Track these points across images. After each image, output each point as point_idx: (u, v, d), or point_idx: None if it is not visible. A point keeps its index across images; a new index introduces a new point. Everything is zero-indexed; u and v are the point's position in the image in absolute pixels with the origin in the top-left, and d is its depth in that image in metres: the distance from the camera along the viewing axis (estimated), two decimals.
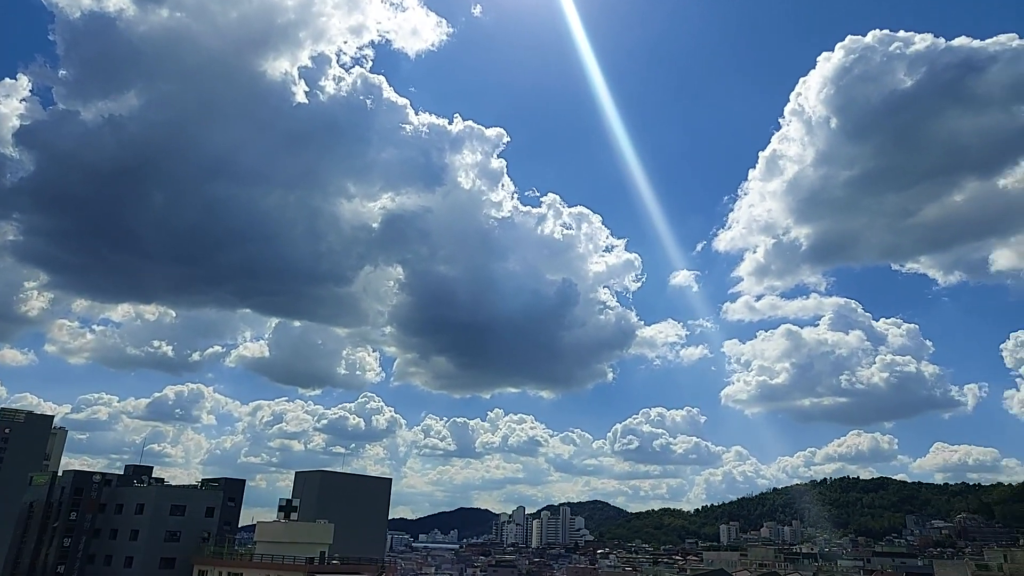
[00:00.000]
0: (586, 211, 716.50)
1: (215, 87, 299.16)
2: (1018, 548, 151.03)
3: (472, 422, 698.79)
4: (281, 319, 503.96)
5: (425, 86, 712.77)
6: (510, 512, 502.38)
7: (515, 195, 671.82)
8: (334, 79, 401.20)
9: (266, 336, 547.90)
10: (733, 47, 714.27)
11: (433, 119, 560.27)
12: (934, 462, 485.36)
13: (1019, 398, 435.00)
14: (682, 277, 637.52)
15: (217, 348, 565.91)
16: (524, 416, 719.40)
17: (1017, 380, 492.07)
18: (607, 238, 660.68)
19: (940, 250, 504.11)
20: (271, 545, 65.66)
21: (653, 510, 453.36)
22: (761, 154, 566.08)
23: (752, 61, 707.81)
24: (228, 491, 78.39)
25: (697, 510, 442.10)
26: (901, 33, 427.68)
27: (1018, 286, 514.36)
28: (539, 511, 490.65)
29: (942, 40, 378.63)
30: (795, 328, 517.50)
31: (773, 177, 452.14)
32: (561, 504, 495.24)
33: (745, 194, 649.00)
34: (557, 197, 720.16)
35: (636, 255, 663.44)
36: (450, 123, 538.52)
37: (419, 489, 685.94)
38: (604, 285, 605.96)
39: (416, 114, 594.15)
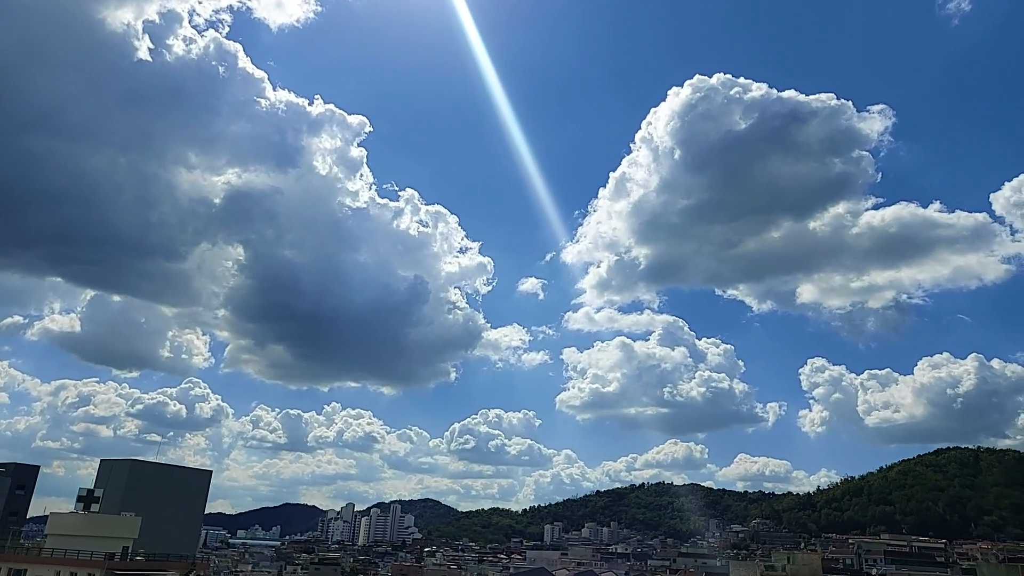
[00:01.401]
0: (444, 211, 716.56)
1: (42, 30, 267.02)
2: (799, 551, 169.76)
3: (307, 415, 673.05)
4: (98, 292, 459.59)
5: (286, 62, 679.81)
6: (338, 509, 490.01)
7: (373, 186, 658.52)
8: (184, 40, 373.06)
9: (78, 309, 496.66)
10: (603, 67, 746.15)
11: (292, 97, 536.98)
12: (737, 471, 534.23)
13: (810, 417, 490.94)
14: (530, 284, 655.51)
15: (17, 318, 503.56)
16: (362, 411, 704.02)
17: (810, 401, 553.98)
18: (462, 239, 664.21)
19: (756, 280, 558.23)
20: (65, 539, 59.28)
21: (483, 509, 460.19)
22: (612, 175, 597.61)
23: (618, 84, 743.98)
24: (17, 477, 70.15)
25: (525, 510, 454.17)
26: (742, 79, 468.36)
27: (817, 318, 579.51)
28: (369, 508, 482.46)
29: (774, 91, 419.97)
30: (628, 341, 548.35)
31: (620, 198, 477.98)
32: (392, 502, 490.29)
33: (594, 211, 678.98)
34: (416, 193, 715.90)
35: (489, 259, 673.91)
36: (310, 104, 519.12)
37: (242, 483, 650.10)
38: (455, 286, 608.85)
39: (274, 90, 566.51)
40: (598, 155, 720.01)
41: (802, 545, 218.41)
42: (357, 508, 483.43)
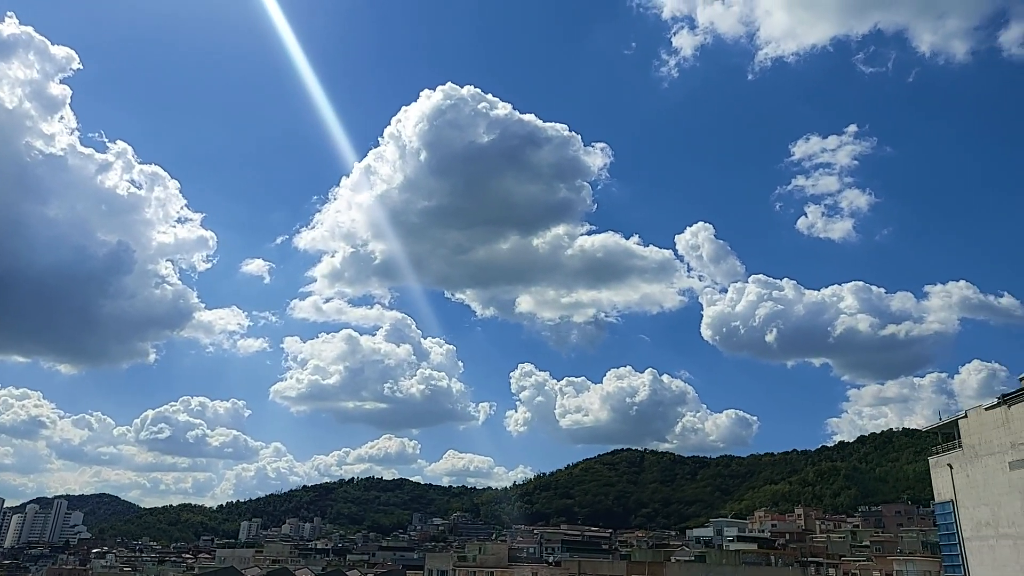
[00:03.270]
0: (163, 173, 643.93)
1: None
2: (491, 542, 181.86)
3: None
4: None
5: None
6: None
7: (76, 132, 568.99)
8: None
9: None
10: (367, 53, 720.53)
11: None
12: (444, 467, 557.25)
13: (515, 418, 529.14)
14: (256, 266, 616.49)
15: None
16: (29, 391, 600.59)
17: (517, 403, 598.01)
18: (183, 209, 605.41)
19: (482, 287, 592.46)
20: None
21: (171, 505, 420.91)
22: (357, 165, 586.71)
23: (376, 73, 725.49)
24: None
25: (221, 506, 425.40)
26: (490, 96, 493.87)
27: (531, 327, 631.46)
28: (25, 504, 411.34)
29: (517, 113, 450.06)
30: (355, 334, 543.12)
31: (363, 190, 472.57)
32: (57, 497, 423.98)
33: (334, 199, 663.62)
34: (130, 148, 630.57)
35: (212, 234, 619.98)
36: (0, 22, 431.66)
37: None
38: (168, 258, 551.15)
39: None
40: (345, 142, 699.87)
41: (494, 536, 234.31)
42: (9, 504, 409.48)
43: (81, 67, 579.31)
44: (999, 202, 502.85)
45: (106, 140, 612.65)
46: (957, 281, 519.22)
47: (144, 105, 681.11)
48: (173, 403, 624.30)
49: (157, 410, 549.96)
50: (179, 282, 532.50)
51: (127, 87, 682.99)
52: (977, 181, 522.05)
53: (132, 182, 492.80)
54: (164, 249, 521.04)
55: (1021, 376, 57.45)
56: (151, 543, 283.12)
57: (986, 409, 57.87)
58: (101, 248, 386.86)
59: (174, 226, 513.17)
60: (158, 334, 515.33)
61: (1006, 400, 55.71)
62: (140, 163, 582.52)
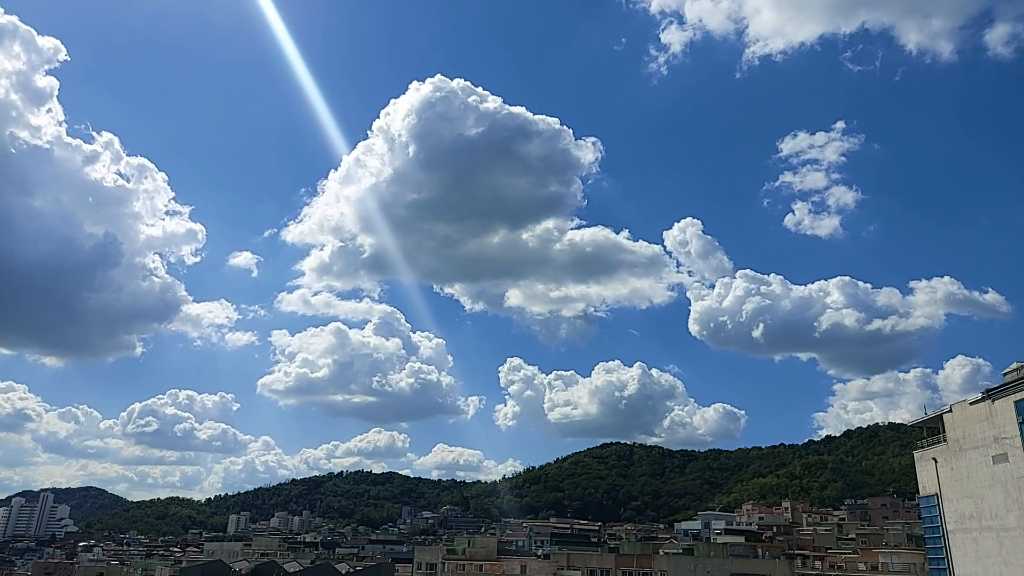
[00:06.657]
0: (150, 165, 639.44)
1: None
2: (480, 535, 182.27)
3: None
4: None
5: None
6: None
7: (63, 124, 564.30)
8: None
9: None
10: (357, 46, 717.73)
11: None
12: (434, 460, 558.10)
13: (504, 412, 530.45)
14: (244, 259, 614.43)
15: None
16: (15, 384, 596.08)
17: (506, 397, 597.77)
18: (170, 201, 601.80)
19: (471, 281, 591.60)
20: None
21: (159, 499, 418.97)
22: (345, 158, 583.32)
23: (367, 66, 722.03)
24: None
25: (209, 499, 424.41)
26: (480, 89, 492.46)
27: (520, 321, 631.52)
28: (10, 498, 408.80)
29: (507, 106, 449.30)
30: (344, 328, 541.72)
31: (351, 183, 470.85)
32: (43, 490, 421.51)
33: (323, 192, 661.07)
34: (116, 139, 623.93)
35: (201, 227, 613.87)
36: None
37: None
38: (156, 251, 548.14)
39: None
40: (334, 137, 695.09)
41: (483, 529, 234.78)
42: None
43: (68, 58, 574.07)
44: (984, 199, 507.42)
45: (93, 131, 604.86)
46: (942, 277, 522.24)
47: (132, 97, 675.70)
48: (161, 396, 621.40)
49: (144, 403, 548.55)
50: (167, 275, 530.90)
51: (115, 78, 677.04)
52: (962, 178, 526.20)
53: (119, 174, 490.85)
54: (152, 242, 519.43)
55: (1005, 371, 58.00)
56: (139, 537, 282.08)
57: (970, 404, 58.47)
58: (88, 240, 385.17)
59: (162, 219, 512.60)
60: (145, 327, 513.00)
61: (990, 395, 56.30)
62: (128, 155, 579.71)
